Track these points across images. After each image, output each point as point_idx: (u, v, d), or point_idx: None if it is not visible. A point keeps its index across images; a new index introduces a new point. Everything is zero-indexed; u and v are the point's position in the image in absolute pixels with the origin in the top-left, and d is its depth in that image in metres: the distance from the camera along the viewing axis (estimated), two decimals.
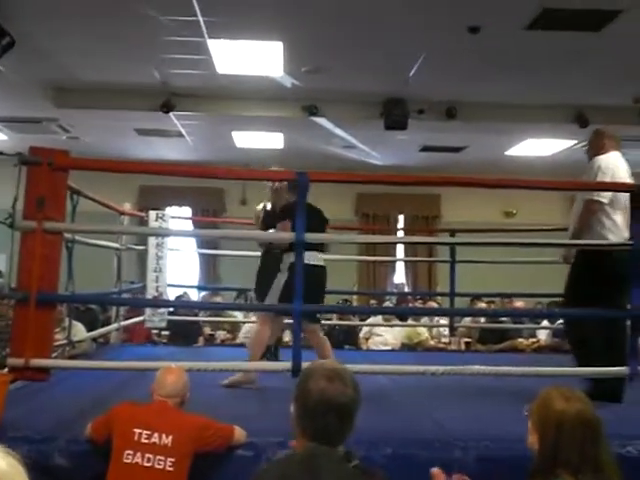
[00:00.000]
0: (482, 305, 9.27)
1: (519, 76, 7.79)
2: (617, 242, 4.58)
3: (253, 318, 9.26)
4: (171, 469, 3.05)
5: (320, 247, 4.98)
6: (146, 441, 3.09)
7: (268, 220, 5.30)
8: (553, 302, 7.74)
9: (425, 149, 11.18)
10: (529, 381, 4.30)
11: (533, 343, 8.91)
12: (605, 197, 4.60)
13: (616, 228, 4.63)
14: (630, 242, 4.36)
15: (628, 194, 4.49)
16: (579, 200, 4.77)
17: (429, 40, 6.74)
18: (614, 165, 4.72)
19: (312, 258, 4.70)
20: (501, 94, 8.50)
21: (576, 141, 10.27)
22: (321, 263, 5.00)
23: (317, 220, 4.90)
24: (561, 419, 2.21)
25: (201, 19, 6.25)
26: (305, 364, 3.38)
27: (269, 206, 5.66)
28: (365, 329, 9.16)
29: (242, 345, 8.75)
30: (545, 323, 9.18)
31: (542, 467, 2.21)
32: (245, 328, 9.03)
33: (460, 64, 7.42)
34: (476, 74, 7.75)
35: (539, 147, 10.74)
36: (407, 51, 7.08)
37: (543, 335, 9.20)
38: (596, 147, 4.88)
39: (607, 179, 4.64)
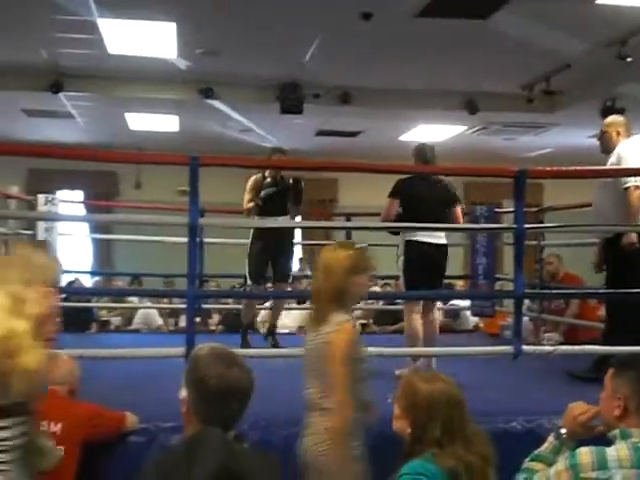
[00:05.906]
0: (377, 288, 9.42)
1: (411, 63, 7.95)
2: None
3: (148, 303, 9.16)
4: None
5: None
6: None
7: None
8: None
9: (321, 133, 11.26)
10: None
11: None
12: None
13: None
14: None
15: None
16: (605, 190, 4.69)
17: (323, 25, 6.79)
18: (636, 148, 4.67)
19: (426, 236, 5.00)
20: (394, 80, 8.64)
21: (466, 127, 10.56)
22: (435, 241, 5.10)
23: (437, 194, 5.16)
24: (430, 400, 2.31)
25: None
26: None
27: None
28: (263, 313, 9.17)
29: (137, 331, 8.65)
30: (438, 304, 9.37)
31: (416, 447, 2.30)
32: (140, 313, 8.91)
33: (354, 50, 7.51)
34: (369, 60, 7.86)
35: (432, 133, 10.96)
36: (302, 36, 7.11)
37: (435, 315, 9.41)
38: (609, 138, 4.84)
39: (636, 163, 4.56)
